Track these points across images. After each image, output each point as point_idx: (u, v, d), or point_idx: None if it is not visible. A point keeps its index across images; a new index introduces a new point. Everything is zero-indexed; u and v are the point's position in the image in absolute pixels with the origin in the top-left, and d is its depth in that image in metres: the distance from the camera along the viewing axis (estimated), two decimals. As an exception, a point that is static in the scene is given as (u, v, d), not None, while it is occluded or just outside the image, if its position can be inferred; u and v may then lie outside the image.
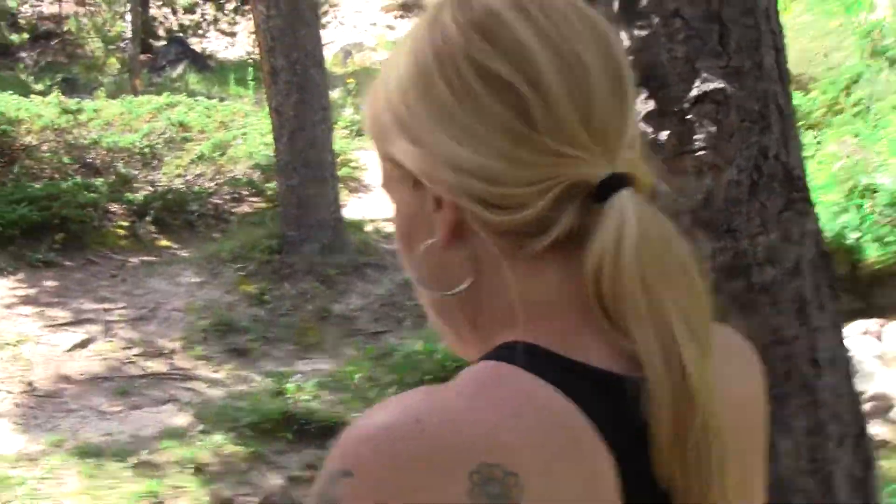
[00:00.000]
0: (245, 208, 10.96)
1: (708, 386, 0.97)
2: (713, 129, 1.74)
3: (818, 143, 10.52)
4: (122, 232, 9.94)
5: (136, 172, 10.40)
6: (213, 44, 20.26)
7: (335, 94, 14.41)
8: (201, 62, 18.80)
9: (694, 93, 1.73)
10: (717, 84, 1.74)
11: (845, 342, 1.92)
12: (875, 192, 9.53)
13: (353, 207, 10.60)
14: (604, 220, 0.97)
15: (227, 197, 10.94)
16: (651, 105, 1.74)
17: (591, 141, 0.98)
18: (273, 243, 9.61)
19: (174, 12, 20.18)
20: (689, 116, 1.74)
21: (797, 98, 10.98)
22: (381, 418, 0.91)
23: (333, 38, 18.45)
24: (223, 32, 20.06)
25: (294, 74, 9.02)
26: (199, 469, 6.28)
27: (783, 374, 1.78)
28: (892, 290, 9.44)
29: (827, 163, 10.00)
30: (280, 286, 9.12)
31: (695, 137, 1.74)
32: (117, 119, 10.62)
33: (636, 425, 0.96)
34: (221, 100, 12.71)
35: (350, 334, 8.48)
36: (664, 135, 1.73)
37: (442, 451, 0.88)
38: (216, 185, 10.77)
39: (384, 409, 0.93)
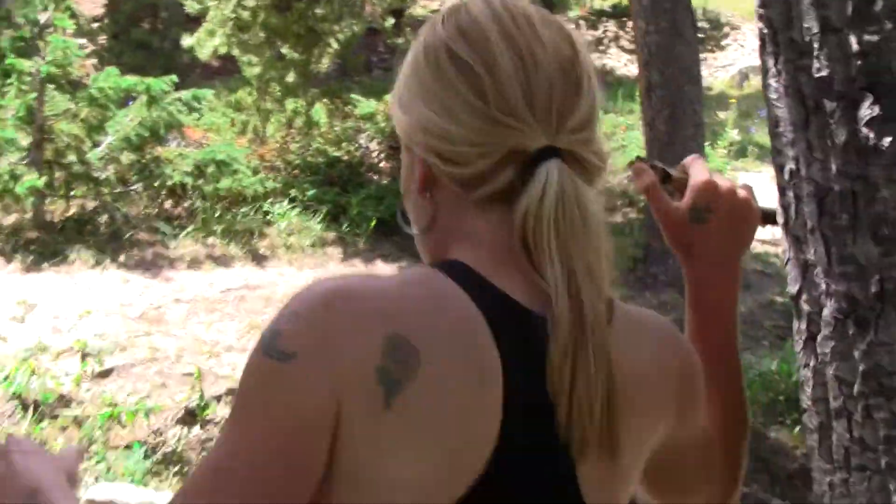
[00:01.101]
0: (618, 217, 11.02)
1: (601, 323, 1.17)
2: (939, 138, 1.67)
3: None
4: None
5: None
6: (612, 59, 20.45)
7: (724, 115, 14.18)
8: (599, 77, 19.02)
9: (922, 101, 1.67)
10: (949, 93, 1.67)
11: None
12: None
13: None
14: (533, 181, 1.19)
15: (604, 206, 11.02)
16: (875, 111, 1.69)
17: (534, 118, 1.22)
18: (639, 253, 9.64)
19: (578, 27, 20.55)
20: (915, 125, 1.68)
21: None
22: (331, 283, 1.16)
23: (733, 61, 18.13)
24: (624, 50, 20.20)
25: (668, 90, 8.99)
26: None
27: None
28: None
29: None
30: (642, 295, 9.09)
31: (919, 146, 1.67)
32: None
33: (532, 351, 1.16)
34: (605, 112, 12.81)
35: (708, 346, 8.38)
36: (886, 141, 1.68)
37: (369, 314, 1.12)
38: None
39: (337, 277, 1.18)
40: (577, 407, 1.16)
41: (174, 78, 9.83)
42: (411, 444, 1.12)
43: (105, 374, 6.82)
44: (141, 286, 8.42)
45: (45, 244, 8.93)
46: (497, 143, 1.22)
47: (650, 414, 1.29)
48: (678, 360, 1.36)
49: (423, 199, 1.29)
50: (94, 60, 13.89)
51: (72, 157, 9.59)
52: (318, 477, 1.13)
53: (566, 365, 1.16)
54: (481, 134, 1.22)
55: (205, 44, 11.85)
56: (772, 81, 1.86)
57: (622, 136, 11.07)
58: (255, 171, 10.33)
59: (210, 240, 9.52)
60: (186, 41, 11.90)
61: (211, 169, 9.69)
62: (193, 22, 12.92)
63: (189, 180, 9.75)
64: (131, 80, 9.70)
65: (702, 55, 16.29)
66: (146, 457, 5.98)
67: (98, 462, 5.80)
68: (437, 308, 1.16)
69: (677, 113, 8.99)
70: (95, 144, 9.66)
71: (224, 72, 15.16)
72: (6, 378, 6.43)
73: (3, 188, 9.10)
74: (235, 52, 11.47)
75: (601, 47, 20.69)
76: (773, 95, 1.86)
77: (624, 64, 19.69)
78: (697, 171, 1.50)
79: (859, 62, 1.72)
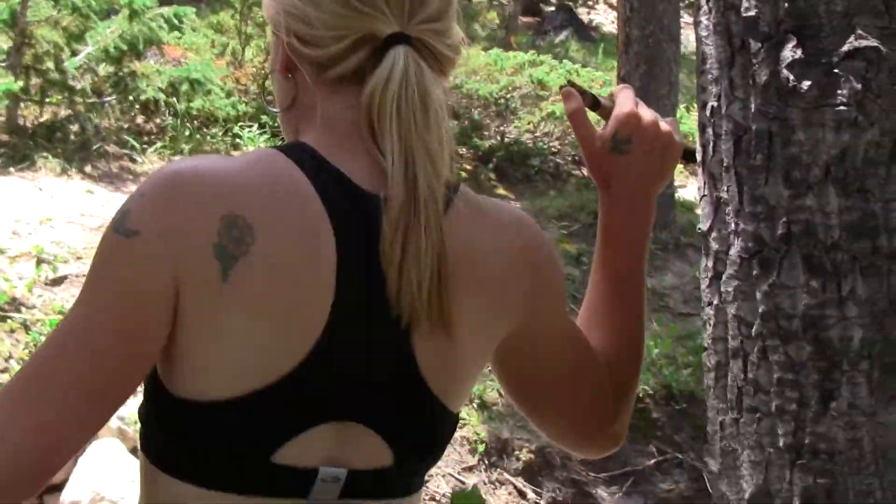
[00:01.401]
0: (584, 171, 11.00)
1: (436, 203, 1.24)
2: (859, 86, 1.65)
3: None
4: (464, 174, 10.30)
5: (489, 122, 10.72)
6: (600, 16, 20.38)
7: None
8: (585, 32, 18.97)
9: (846, 48, 1.65)
10: (872, 43, 1.65)
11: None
12: None
13: (691, 189, 10.44)
14: (381, 65, 1.27)
15: (570, 158, 11.07)
16: (798, 53, 1.68)
17: (388, 7, 1.28)
18: (600, 208, 9.62)
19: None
20: (836, 70, 1.66)
21: None
22: (178, 164, 1.25)
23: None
24: (612, 7, 20.10)
25: (646, 46, 8.99)
26: (484, 406, 6.42)
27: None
28: None
29: None
30: (598, 248, 9.06)
31: (839, 92, 1.66)
32: (482, 68, 10.88)
33: (367, 229, 1.24)
34: (584, 66, 12.79)
35: (658, 310, 8.42)
36: (806, 84, 1.66)
37: (208, 195, 1.21)
38: (561, 144, 10.92)
39: (185, 160, 1.31)
40: (407, 281, 1.23)
41: (159, -6, 9.78)
42: (246, 318, 1.21)
43: (58, 281, 6.83)
44: (104, 198, 8.38)
45: (15, 148, 8.89)
46: (351, 27, 1.29)
47: (490, 297, 1.34)
48: (528, 252, 1.40)
49: (285, 79, 1.37)
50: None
51: (49, 64, 9.54)
52: (154, 353, 1.23)
53: (397, 240, 1.23)
54: (338, 18, 1.29)
55: (192, -37, 11.74)
56: (703, 18, 1.84)
57: (598, 90, 11.03)
58: (229, 94, 10.31)
59: (177, 158, 9.47)
60: (175, -41, 11.82)
61: (185, 87, 9.68)
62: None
63: (162, 97, 9.74)
64: (115, -9, 9.62)
65: (691, 17, 16.24)
66: (92, 365, 5.98)
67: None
68: (275, 188, 1.24)
69: (653, 70, 9.00)
70: (74, 53, 9.61)
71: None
72: (-40, 278, 6.41)
73: (-21, 90, 9.02)
74: (221, -27, 11.40)
75: (590, 2, 20.61)
76: (703, 32, 1.84)
77: (611, 21, 19.64)
78: (623, 100, 1.54)
79: (787, 4, 1.71)
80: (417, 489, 1.40)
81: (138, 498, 1.38)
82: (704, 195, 1.82)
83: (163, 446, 1.30)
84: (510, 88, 10.91)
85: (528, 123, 10.99)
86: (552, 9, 19.87)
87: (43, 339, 5.96)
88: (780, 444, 1.70)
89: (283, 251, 1.22)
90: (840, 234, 1.65)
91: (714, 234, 1.80)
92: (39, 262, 6.88)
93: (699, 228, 1.84)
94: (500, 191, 10.44)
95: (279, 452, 1.25)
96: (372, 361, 1.27)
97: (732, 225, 1.75)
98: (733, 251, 1.75)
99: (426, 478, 1.38)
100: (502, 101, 10.85)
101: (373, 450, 1.30)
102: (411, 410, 1.31)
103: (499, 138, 10.87)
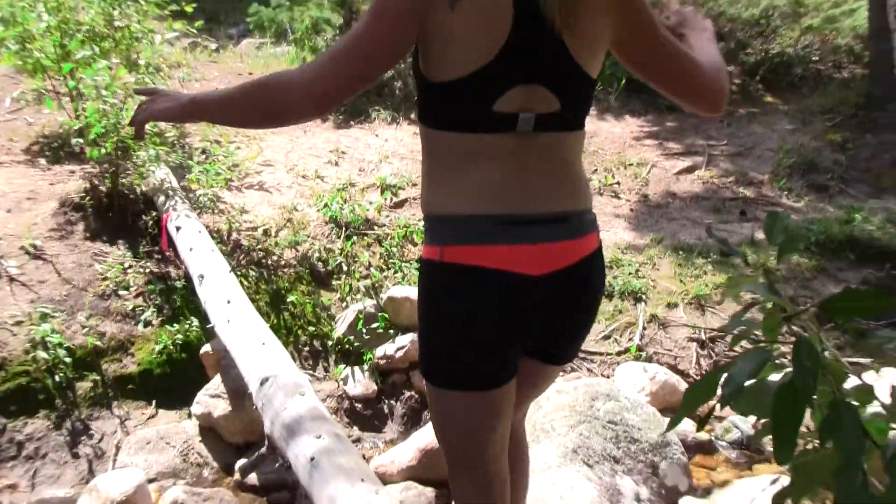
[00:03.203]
0: (844, 74, 10.94)
1: None
2: None
3: None
4: (734, 88, 10.48)
5: (753, 41, 10.78)
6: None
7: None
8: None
9: None
10: None
11: None
12: None
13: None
14: None
15: (830, 63, 11.02)
16: None
17: None
18: (861, 100, 9.60)
19: None
20: None
21: None
22: None
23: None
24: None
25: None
26: (768, 272, 6.54)
27: None
28: None
29: None
30: (862, 137, 9.09)
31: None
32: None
33: None
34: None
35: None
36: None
37: None
38: (821, 53, 10.90)
39: None
40: (550, 5, 1.89)
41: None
42: (465, 29, 1.87)
43: (400, 204, 7.40)
44: (427, 135, 8.86)
45: (353, 106, 9.55)
46: None
47: (597, 9, 1.96)
48: None
49: None
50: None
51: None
52: (410, 41, 1.92)
53: None
54: None
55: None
56: None
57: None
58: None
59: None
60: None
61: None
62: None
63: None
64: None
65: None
66: (433, 268, 6.40)
67: (395, 272, 6.38)
68: None
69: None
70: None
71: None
72: (325, 205, 7.07)
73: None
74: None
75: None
76: None
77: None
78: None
79: None
80: (580, 128, 2.06)
81: (421, 149, 2.08)
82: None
83: (429, 111, 2.00)
84: (770, 9, 10.92)
85: (790, 38, 10.98)
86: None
87: (394, 249, 6.49)
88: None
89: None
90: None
91: None
92: (383, 189, 7.50)
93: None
94: (768, 98, 10.58)
95: (496, 104, 1.92)
96: (540, 48, 1.91)
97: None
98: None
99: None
100: (763, 20, 10.88)
101: (548, 100, 1.96)
102: (567, 75, 1.96)
103: (763, 54, 10.91)
